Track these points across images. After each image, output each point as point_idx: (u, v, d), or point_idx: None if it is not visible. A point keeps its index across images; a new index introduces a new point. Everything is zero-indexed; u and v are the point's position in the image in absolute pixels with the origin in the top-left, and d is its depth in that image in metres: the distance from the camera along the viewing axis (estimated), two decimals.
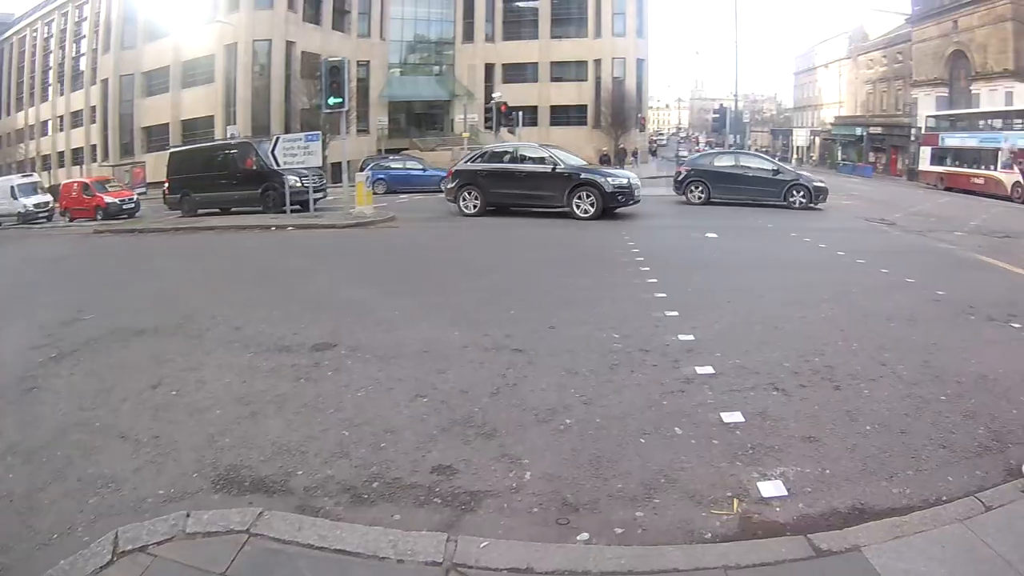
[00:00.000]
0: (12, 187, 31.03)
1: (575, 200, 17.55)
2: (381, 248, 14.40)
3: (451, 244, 14.90)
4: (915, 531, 3.42)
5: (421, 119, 59.44)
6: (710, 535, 3.50)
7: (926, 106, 50.54)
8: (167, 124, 49.00)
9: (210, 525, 3.38)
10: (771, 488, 3.94)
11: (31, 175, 38.41)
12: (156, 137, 49.04)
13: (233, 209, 22.58)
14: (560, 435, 4.60)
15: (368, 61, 54.31)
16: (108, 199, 29.54)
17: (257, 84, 46.01)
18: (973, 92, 46.66)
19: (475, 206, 18.57)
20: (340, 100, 19.69)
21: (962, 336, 7.19)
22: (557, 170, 17.85)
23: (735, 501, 3.82)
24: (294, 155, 20.27)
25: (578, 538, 3.45)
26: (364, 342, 6.67)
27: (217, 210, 22.94)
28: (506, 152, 19.23)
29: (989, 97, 44.23)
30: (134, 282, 10.69)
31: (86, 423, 4.86)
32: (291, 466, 4.13)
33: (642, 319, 7.63)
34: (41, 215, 30.63)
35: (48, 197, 32.55)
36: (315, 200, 21.31)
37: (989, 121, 36.04)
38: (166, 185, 25.09)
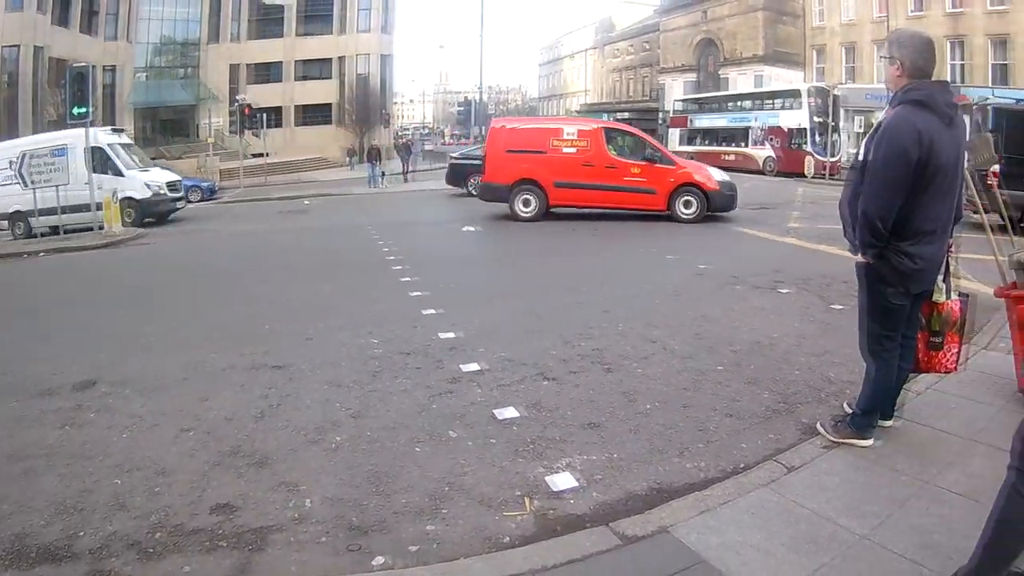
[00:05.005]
0: (106, 151, 20.85)
1: None
2: (133, 268, 14.30)
3: (202, 258, 14.95)
4: (721, 503, 3.54)
5: (167, 126, 56.35)
6: (508, 539, 3.44)
7: (675, 91, 55.35)
8: None
9: None
10: (561, 481, 3.96)
11: (122, 129, 26.04)
12: None
13: None
14: (333, 454, 4.49)
15: (115, 66, 50.73)
16: None
17: (7, 95, 41.85)
18: (722, 76, 51.98)
19: None
20: (85, 110, 18.42)
21: (730, 306, 7.80)
22: None
23: (527, 499, 3.78)
24: (40, 173, 18.42)
25: (374, 564, 3.34)
26: (125, 375, 6.41)
27: None
28: None
29: (738, 81, 49.13)
30: None
31: None
32: (72, 527, 3.82)
33: (401, 321, 7.67)
34: (176, 201, 22.27)
35: (172, 174, 23.26)
36: None
37: (738, 102, 39.85)
38: None
